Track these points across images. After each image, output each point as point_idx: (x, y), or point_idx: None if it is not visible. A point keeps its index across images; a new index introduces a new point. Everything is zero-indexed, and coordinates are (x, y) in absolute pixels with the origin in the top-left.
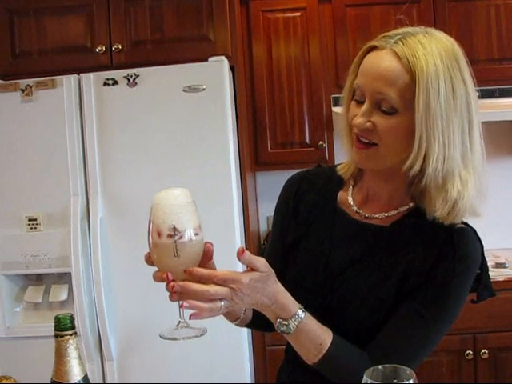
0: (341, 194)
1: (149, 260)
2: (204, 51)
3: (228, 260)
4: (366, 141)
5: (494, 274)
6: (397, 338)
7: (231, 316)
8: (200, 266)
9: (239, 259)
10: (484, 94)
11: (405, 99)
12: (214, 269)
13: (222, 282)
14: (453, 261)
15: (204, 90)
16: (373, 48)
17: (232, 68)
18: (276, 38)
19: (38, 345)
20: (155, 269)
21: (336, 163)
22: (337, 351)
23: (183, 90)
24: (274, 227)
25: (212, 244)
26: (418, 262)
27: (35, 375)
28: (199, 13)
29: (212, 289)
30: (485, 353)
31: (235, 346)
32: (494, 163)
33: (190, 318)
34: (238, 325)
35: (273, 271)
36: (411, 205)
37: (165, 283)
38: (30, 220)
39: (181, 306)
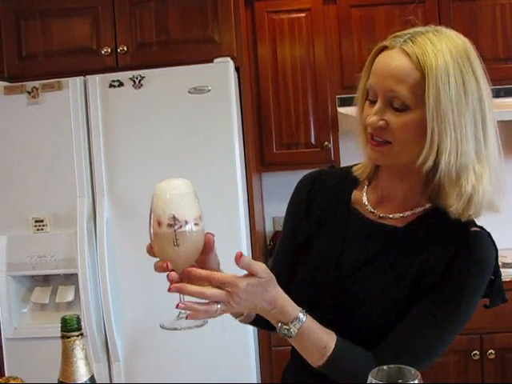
0: (355, 194)
1: (150, 251)
2: (209, 52)
3: (233, 261)
4: (380, 139)
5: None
6: (407, 337)
7: (235, 312)
8: (201, 256)
9: (237, 264)
10: None
11: (416, 95)
12: (217, 261)
13: (220, 284)
14: (468, 262)
15: (209, 91)
16: (383, 48)
17: (237, 69)
18: (281, 38)
19: (45, 345)
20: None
21: (341, 163)
22: (341, 354)
23: (188, 92)
24: (285, 226)
25: (213, 234)
26: (432, 262)
27: (42, 376)
28: (204, 14)
29: (208, 291)
30: (491, 353)
31: (241, 347)
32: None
33: (186, 318)
34: (242, 321)
35: (273, 276)
36: (427, 206)
37: (166, 274)
38: (36, 221)
39: (176, 306)
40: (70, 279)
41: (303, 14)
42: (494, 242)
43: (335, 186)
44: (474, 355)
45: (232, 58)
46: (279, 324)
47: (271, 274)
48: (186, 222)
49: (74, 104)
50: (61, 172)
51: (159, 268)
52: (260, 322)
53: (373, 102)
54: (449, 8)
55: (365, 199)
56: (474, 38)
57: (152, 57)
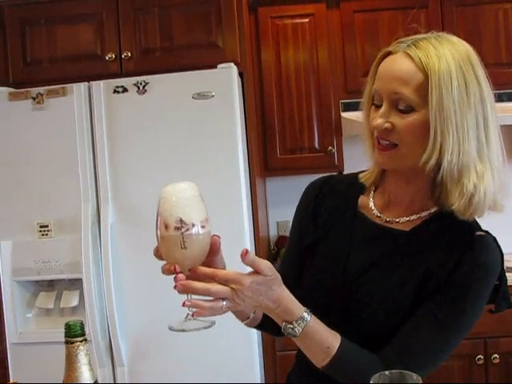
0: (362, 199)
1: (157, 254)
2: (213, 58)
3: (238, 264)
4: (387, 142)
5: None
6: (411, 339)
7: (241, 315)
8: (207, 258)
9: (242, 260)
10: None
11: (420, 97)
12: (223, 263)
13: (224, 281)
14: (473, 266)
15: (213, 96)
16: (388, 54)
17: (241, 74)
18: (284, 44)
19: (49, 350)
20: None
21: (345, 168)
22: (345, 355)
23: (192, 97)
24: (293, 229)
25: (219, 236)
26: (437, 265)
27: (46, 380)
28: (208, 20)
29: (213, 288)
30: (496, 358)
31: (246, 351)
32: None
33: (192, 316)
34: (247, 324)
35: (278, 275)
36: (432, 210)
37: (173, 276)
38: (41, 226)
39: (183, 305)
40: (75, 284)
41: (307, 19)
42: (499, 246)
43: (344, 190)
44: (479, 360)
45: (236, 64)
46: (284, 323)
47: (276, 273)
48: (193, 225)
49: (78, 110)
50: (65, 177)
51: (166, 271)
52: (266, 327)
53: (378, 107)
54: (452, 13)
55: (371, 204)
56: (476, 43)
57: (156, 62)
